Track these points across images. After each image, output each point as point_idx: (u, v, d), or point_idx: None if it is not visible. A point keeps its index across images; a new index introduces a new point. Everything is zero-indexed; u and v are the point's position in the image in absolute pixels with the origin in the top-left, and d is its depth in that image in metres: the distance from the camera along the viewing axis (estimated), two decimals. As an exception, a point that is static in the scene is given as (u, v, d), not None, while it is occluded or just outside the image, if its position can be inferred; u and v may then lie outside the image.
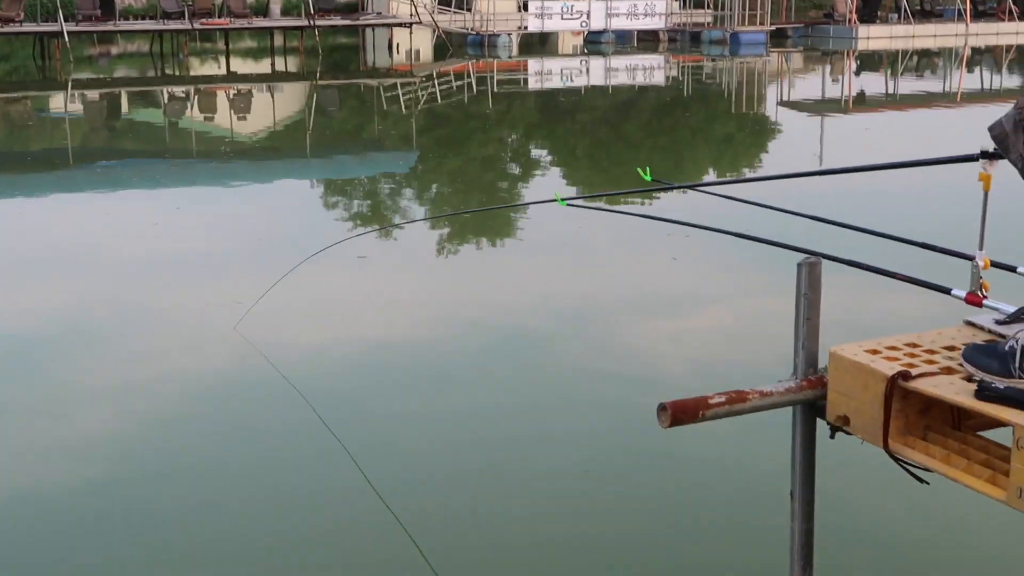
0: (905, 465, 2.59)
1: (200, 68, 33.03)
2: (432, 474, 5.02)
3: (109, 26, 33.71)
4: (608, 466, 5.01)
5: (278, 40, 39.13)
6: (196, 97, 25.33)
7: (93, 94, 25.72)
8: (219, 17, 34.60)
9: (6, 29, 31.28)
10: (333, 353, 6.71)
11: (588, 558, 4.22)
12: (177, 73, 31.58)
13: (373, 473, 4.84)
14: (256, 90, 26.67)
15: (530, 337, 6.98)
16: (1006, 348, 2.53)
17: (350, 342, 6.95)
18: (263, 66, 33.80)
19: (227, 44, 37.09)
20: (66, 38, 31.29)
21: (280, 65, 33.83)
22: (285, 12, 40.14)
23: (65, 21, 31.25)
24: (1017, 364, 2.49)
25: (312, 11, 36.33)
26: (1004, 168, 2.69)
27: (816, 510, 2.83)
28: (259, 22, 37.18)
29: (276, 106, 23.24)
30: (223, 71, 32.21)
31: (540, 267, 8.76)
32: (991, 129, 2.53)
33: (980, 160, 3.02)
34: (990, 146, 2.98)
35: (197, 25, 33.87)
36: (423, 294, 8.06)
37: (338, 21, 37.53)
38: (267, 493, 4.83)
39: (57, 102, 23.89)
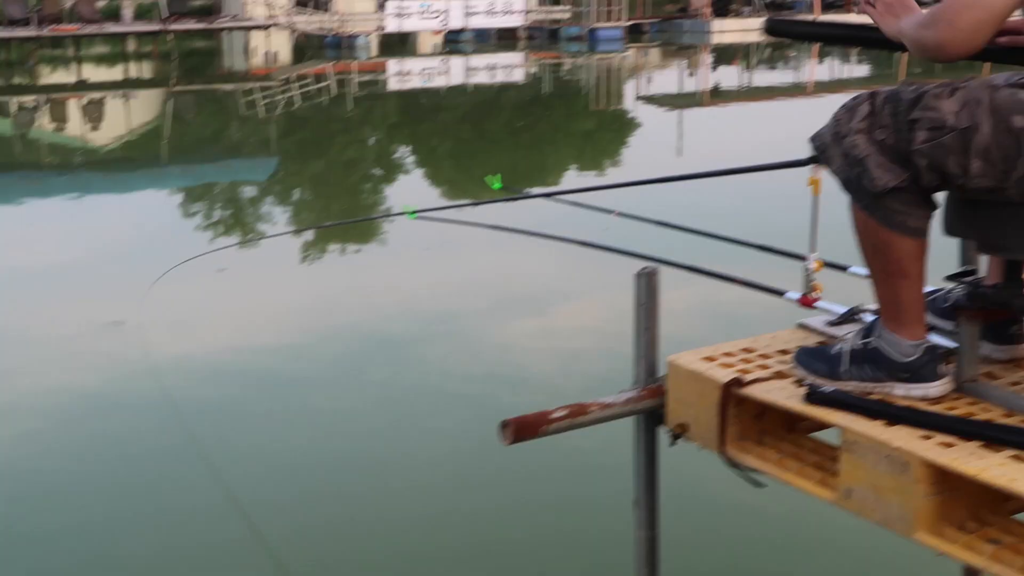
0: (740, 470, 2.65)
1: (50, 76, 32.12)
2: (297, 484, 4.98)
3: (-50, 35, 32.60)
4: (461, 476, 5.02)
5: (131, 45, 38.38)
6: (47, 106, 24.61)
7: (-66, 106, 24.85)
8: (68, 23, 33.68)
9: None
10: (195, 365, 6.62)
11: (442, 568, 4.22)
12: (26, 82, 30.64)
13: (238, 485, 4.80)
14: (109, 98, 26.03)
15: (387, 344, 6.97)
16: (833, 351, 2.60)
17: (212, 353, 6.86)
18: (116, 73, 33.07)
19: (78, 51, 36.26)
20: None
21: (134, 71, 33.18)
22: (138, 16, 39.08)
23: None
24: (844, 366, 2.56)
25: (166, 15, 35.67)
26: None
27: (660, 517, 2.88)
28: (110, 27, 36.18)
29: (131, 114, 22.71)
30: (74, 79, 31.38)
31: (397, 275, 8.77)
32: (813, 140, 2.60)
33: (808, 163, 3.10)
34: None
35: (45, 31, 32.90)
36: (285, 303, 7.99)
37: (193, 25, 36.77)
38: (131, 510, 4.75)
39: None
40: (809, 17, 46.43)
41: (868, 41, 2.79)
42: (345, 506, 4.79)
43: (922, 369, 2.50)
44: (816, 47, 37.90)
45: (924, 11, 2.33)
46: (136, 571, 4.39)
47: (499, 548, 4.40)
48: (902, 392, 2.50)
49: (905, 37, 2.40)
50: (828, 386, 2.53)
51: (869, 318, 2.76)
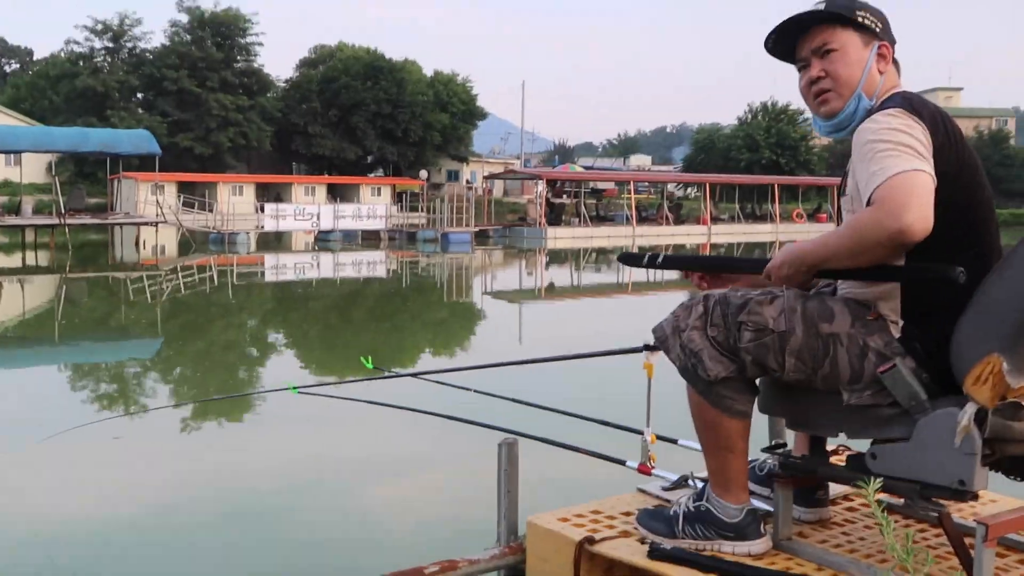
0: (593, 621, 2.63)
1: (-50, 263, 31.05)
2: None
3: None
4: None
5: (29, 236, 37.44)
6: (-54, 290, 23.74)
7: None
8: (-30, 215, 32.91)
9: None
10: (79, 530, 6.29)
11: None
12: (-73, 267, 29.55)
13: None
14: (7, 282, 25.21)
15: (258, 510, 6.76)
16: (671, 512, 2.63)
17: (96, 518, 6.53)
18: (14, 260, 32.08)
19: (-22, 240, 35.32)
20: None
21: (31, 259, 32.21)
22: (37, 211, 38.45)
23: None
24: (680, 527, 2.59)
25: (63, 211, 35.12)
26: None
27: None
28: (11, 220, 35.52)
29: (26, 297, 22.02)
30: (-26, 265, 30.38)
31: (275, 446, 8.58)
32: (654, 331, 2.67)
33: (644, 351, 3.18)
34: (651, 339, 3.14)
35: (-52, 223, 32.19)
36: (164, 470, 7.70)
37: (88, 220, 36.25)
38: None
39: None
40: (629, 228, 48.28)
41: (736, 266, 2.98)
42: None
43: (746, 529, 2.55)
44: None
45: (851, 220, 2.34)
46: None
47: None
48: (730, 549, 2.54)
49: (835, 250, 2.35)
50: (667, 544, 2.56)
51: (699, 484, 2.81)
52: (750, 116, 76.48)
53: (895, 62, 2.58)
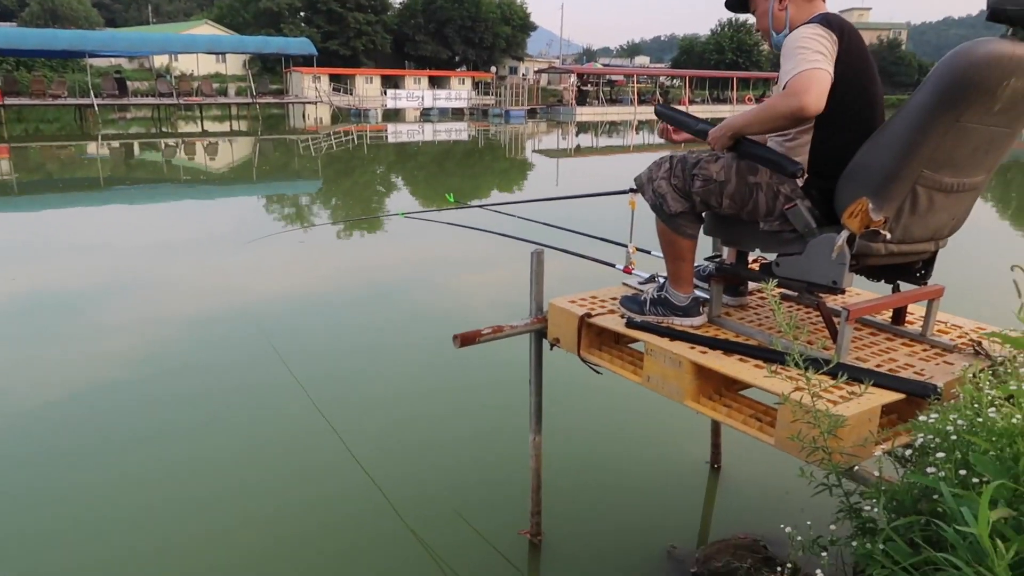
0: (588, 364, 2.68)
1: (184, 127, 30.94)
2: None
3: (124, 100, 31.31)
4: (428, 374, 4.98)
5: (234, 111, 37.22)
6: (182, 146, 23.77)
7: (116, 144, 23.83)
8: (196, 96, 32.61)
9: (56, 101, 28.73)
10: (283, 302, 6.46)
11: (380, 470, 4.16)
12: (169, 131, 29.52)
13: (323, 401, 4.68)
14: (220, 142, 25.18)
15: (389, 286, 6.93)
16: (641, 299, 2.64)
17: (296, 293, 6.70)
18: (224, 126, 31.95)
19: (201, 113, 35.04)
20: (96, 108, 29.02)
21: (235, 126, 32.08)
22: (238, 93, 38.10)
23: (95, 97, 29.01)
24: (647, 307, 2.61)
25: (254, 94, 34.75)
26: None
27: (544, 389, 2.91)
28: (221, 100, 35.19)
29: (233, 152, 22.05)
30: (199, 129, 30.27)
31: (396, 250, 8.70)
32: (635, 180, 2.62)
33: (630, 192, 3.13)
34: (635, 184, 3.07)
35: (181, 101, 31.90)
36: (335, 260, 7.87)
37: (271, 100, 35.85)
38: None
39: (92, 149, 22.12)
40: (631, 108, 46.73)
41: (690, 125, 2.63)
42: (375, 381, 4.76)
43: (691, 310, 2.56)
44: (634, 124, 38.20)
45: (768, 100, 2.26)
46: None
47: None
48: (679, 323, 2.55)
49: (752, 122, 2.25)
50: (638, 318, 2.58)
51: (661, 280, 2.81)
52: (720, 28, 72.35)
53: None
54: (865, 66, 2.26)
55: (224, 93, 37.45)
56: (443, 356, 5.01)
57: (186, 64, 52.07)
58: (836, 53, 2.17)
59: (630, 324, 2.52)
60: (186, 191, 13.90)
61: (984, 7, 2.02)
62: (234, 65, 55.69)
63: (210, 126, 31.71)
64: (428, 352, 5.21)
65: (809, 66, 2.11)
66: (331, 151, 21.84)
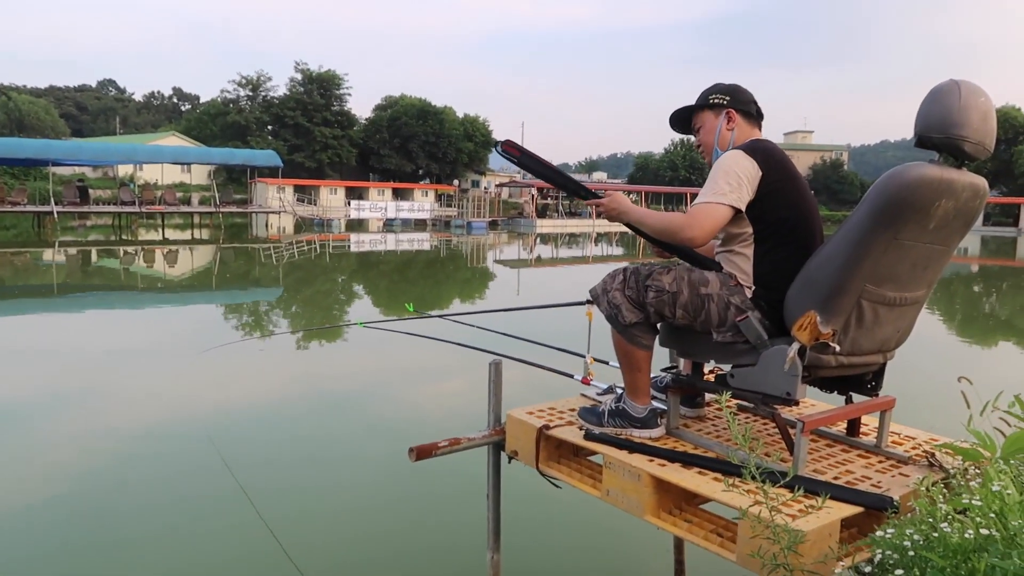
0: (547, 478, 2.63)
1: (145, 235, 30.86)
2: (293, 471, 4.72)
3: (85, 208, 31.26)
4: (382, 488, 4.86)
5: (196, 219, 37.32)
6: (141, 253, 23.62)
7: (73, 251, 23.59)
8: (158, 204, 32.70)
9: (15, 208, 28.57)
10: (232, 411, 6.28)
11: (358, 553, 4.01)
12: (129, 238, 29.39)
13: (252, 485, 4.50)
14: (181, 249, 25.12)
15: (346, 396, 6.79)
16: (600, 410, 2.63)
17: (244, 403, 6.54)
18: (186, 235, 31.93)
19: (163, 221, 35.08)
20: (55, 215, 28.89)
21: (197, 234, 32.09)
22: (202, 202, 38.31)
23: (56, 204, 28.93)
24: (606, 419, 2.59)
25: (218, 203, 35.00)
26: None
27: (502, 504, 2.83)
28: (184, 208, 35.29)
29: (194, 259, 21.96)
30: (160, 237, 30.21)
31: (351, 358, 8.59)
32: (591, 291, 2.65)
33: (587, 303, 3.17)
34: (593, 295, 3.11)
35: (144, 209, 31.93)
36: (291, 370, 7.72)
37: (235, 209, 36.03)
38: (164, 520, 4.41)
39: (47, 255, 21.86)
40: (590, 221, 48.05)
41: (573, 187, 2.69)
42: (324, 493, 4.58)
43: (649, 421, 2.55)
44: (593, 236, 39.14)
45: (672, 214, 2.39)
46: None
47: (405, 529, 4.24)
48: (638, 435, 2.53)
49: (647, 225, 2.41)
50: (597, 430, 2.56)
51: (619, 391, 2.81)
52: (673, 147, 75.81)
53: (755, 115, 2.55)
54: (793, 183, 2.40)
55: (187, 202, 37.58)
56: (399, 469, 4.88)
57: (151, 174, 52.52)
58: (758, 176, 2.32)
59: (588, 436, 2.49)
60: (143, 299, 13.71)
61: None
62: (199, 175, 56.31)
63: (171, 234, 31.71)
64: (384, 465, 5.07)
65: (713, 199, 2.29)
66: (293, 260, 21.90)
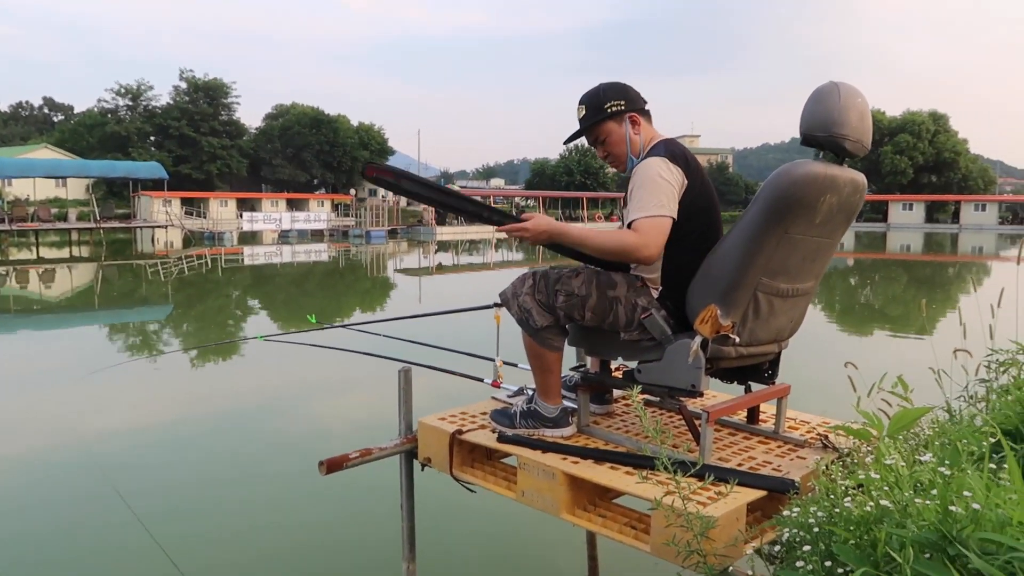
0: (462, 483, 2.61)
1: (17, 255, 28.84)
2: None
3: (-53, 227, 28.92)
4: (291, 506, 4.71)
5: (74, 236, 35.17)
6: (13, 273, 22.06)
7: (-66, 273, 21.79)
8: (31, 221, 30.63)
9: None
10: (120, 433, 5.94)
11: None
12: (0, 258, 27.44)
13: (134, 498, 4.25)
14: (58, 268, 23.63)
15: (247, 413, 6.54)
16: (511, 412, 2.63)
17: (155, 427, 6.19)
18: (63, 253, 30.06)
19: (37, 239, 32.89)
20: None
21: (76, 252, 30.26)
22: (80, 218, 36.11)
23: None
24: (518, 420, 2.59)
25: (98, 218, 33.10)
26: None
27: (416, 512, 2.79)
28: (61, 225, 33.20)
29: (73, 279, 20.68)
30: (34, 256, 28.32)
31: (251, 374, 8.30)
32: (500, 295, 2.63)
33: (494, 307, 3.17)
34: (499, 299, 3.12)
35: (15, 227, 29.83)
36: (187, 389, 7.37)
37: (117, 224, 34.14)
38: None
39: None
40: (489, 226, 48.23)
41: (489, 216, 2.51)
42: (226, 513, 4.39)
43: (560, 420, 2.56)
44: (494, 242, 39.37)
45: (620, 231, 2.30)
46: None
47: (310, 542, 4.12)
48: (550, 434, 2.55)
49: (589, 246, 2.32)
50: (509, 432, 2.56)
51: (530, 392, 2.82)
52: (568, 153, 77.21)
53: (646, 113, 2.54)
54: (706, 189, 2.44)
55: (64, 218, 35.39)
56: (308, 486, 4.74)
57: (21, 189, 49.14)
58: (684, 185, 2.33)
59: (502, 438, 2.49)
60: (17, 321, 12.80)
61: (796, 136, 2.28)
62: (76, 189, 53.15)
63: (47, 252, 29.76)
64: (291, 482, 4.92)
65: (657, 212, 2.26)
66: (183, 275, 20.96)
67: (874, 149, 64.07)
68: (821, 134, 2.16)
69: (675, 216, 2.29)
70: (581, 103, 2.52)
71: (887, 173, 63.59)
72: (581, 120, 2.53)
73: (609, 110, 2.48)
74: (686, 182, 2.33)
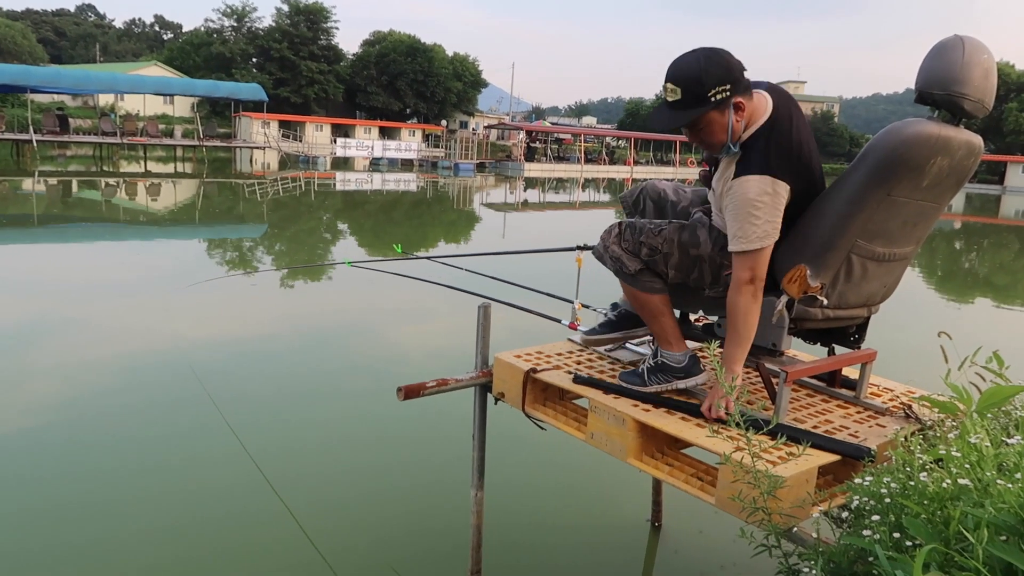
0: (533, 420, 2.67)
1: (126, 167, 30.33)
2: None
3: (65, 138, 30.58)
4: (366, 425, 4.89)
5: (179, 152, 36.71)
6: (123, 185, 23.25)
7: (53, 180, 23.18)
8: (141, 136, 32.07)
9: (-8, 136, 28.00)
10: (217, 345, 6.28)
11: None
12: (110, 169, 28.90)
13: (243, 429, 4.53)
14: (163, 183, 24.76)
15: (331, 334, 6.80)
16: (639, 371, 2.50)
17: (245, 340, 6.53)
18: (169, 168, 31.43)
19: (145, 153, 34.48)
20: (34, 144, 28.30)
21: (180, 168, 31.59)
22: (185, 135, 37.61)
23: (35, 133, 28.29)
24: (647, 377, 2.46)
25: (201, 136, 34.33)
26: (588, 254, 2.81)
27: (487, 444, 2.87)
28: (167, 141, 34.64)
29: (176, 193, 21.66)
30: (142, 170, 29.71)
31: (337, 296, 8.58)
32: (593, 253, 2.57)
33: (577, 249, 3.17)
34: (583, 240, 3.11)
35: (125, 140, 31.32)
36: (276, 306, 7.71)
37: (218, 143, 35.37)
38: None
39: (27, 185, 21.48)
40: (578, 166, 47.67)
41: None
42: (321, 432, 4.62)
43: (691, 368, 2.45)
44: (581, 182, 38.90)
45: (743, 317, 2.18)
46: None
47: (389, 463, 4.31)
48: (683, 385, 2.44)
49: (745, 345, 2.21)
50: (645, 390, 2.42)
51: (629, 345, 2.81)
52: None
53: (749, 91, 2.19)
54: (809, 174, 2.24)
55: (170, 135, 36.90)
56: (384, 407, 4.93)
57: (132, 104, 51.34)
58: (788, 194, 2.16)
59: (577, 380, 2.52)
60: (125, 232, 13.55)
61: (911, 87, 2.15)
62: (182, 107, 55.15)
63: (154, 167, 31.19)
64: (369, 403, 5.12)
65: (759, 244, 2.15)
66: (278, 196, 21.64)
67: (997, 105, 59.50)
68: (939, 92, 2.03)
69: (777, 235, 2.18)
70: (676, 83, 2.14)
71: (1009, 132, 59.22)
72: (675, 105, 2.15)
73: (713, 99, 2.12)
74: (790, 190, 2.17)
